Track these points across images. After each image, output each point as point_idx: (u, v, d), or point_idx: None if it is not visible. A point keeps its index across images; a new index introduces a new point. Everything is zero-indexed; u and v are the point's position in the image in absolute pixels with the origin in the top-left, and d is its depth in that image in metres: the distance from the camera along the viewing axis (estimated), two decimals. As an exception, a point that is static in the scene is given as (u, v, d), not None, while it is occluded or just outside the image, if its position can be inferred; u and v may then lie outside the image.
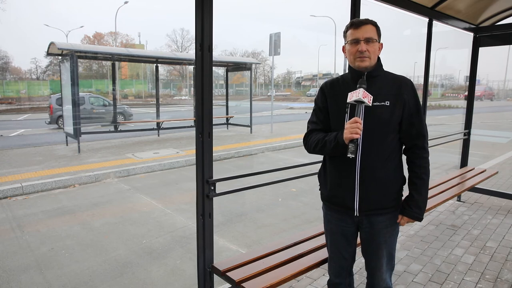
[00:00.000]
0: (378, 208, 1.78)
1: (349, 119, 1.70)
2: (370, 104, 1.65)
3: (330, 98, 1.82)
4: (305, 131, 1.93)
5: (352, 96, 1.66)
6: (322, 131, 1.84)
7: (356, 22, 1.73)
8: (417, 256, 3.30)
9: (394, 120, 1.71)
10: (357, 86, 1.69)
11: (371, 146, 1.71)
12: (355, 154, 1.61)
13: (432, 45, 3.92)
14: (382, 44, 1.80)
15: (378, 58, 1.81)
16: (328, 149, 1.75)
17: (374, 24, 1.74)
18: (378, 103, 1.70)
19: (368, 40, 1.69)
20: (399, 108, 1.71)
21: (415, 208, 1.78)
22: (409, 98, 1.72)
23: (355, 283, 2.76)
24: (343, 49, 1.82)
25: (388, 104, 1.70)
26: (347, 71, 1.84)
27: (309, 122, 1.91)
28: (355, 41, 1.71)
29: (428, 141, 1.84)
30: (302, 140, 1.95)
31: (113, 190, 5.91)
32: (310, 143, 1.84)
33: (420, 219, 1.80)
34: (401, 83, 1.75)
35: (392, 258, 1.92)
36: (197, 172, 2.04)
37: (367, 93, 1.65)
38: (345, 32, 1.79)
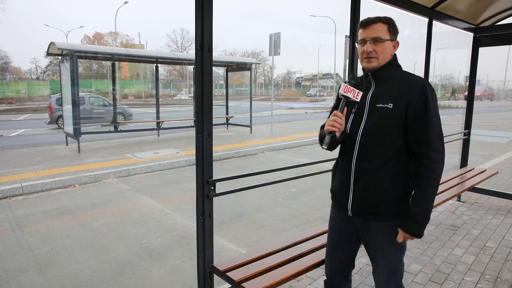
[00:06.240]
0: (373, 213, 1.70)
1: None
2: (358, 100, 1.67)
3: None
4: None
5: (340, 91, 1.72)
6: None
7: (364, 21, 1.68)
8: (417, 256, 3.30)
9: (395, 123, 1.62)
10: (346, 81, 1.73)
11: (369, 148, 1.66)
12: (327, 146, 1.69)
13: (432, 45, 3.92)
14: (397, 42, 1.70)
15: (394, 56, 1.71)
16: (320, 140, 1.83)
17: (385, 21, 1.65)
18: (382, 105, 1.64)
19: (375, 40, 1.63)
20: (402, 111, 1.61)
21: (412, 222, 1.61)
22: (415, 100, 1.59)
23: (355, 283, 2.76)
24: None
25: (391, 107, 1.62)
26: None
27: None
28: (363, 41, 1.67)
29: (442, 152, 1.61)
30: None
31: (113, 190, 5.91)
32: (319, 136, 1.90)
33: (416, 234, 1.61)
34: (411, 84, 1.62)
35: (394, 272, 1.76)
36: (197, 172, 2.04)
37: (351, 88, 1.66)
38: (357, 32, 1.76)
